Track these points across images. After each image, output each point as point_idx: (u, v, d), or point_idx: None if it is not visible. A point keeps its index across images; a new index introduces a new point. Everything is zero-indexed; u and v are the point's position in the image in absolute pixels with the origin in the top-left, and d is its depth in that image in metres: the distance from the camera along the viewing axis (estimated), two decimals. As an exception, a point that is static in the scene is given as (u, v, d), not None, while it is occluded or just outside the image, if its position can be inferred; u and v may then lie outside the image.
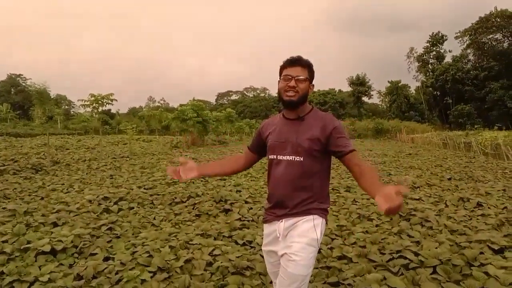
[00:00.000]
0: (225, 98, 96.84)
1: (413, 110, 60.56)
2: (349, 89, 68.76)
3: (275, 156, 2.14)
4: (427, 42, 66.28)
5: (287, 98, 2.08)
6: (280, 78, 2.12)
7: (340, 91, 72.50)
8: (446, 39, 65.35)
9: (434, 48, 65.84)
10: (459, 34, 63.65)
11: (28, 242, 4.10)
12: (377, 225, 5.05)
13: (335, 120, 2.09)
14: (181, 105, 27.78)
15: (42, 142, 20.88)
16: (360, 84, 65.88)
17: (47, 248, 3.90)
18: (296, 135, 2.07)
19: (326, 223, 2.15)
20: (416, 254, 3.78)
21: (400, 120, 52.24)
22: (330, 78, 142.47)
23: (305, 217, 2.05)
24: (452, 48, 73.36)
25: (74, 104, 74.64)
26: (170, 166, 2.22)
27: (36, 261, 3.78)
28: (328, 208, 2.15)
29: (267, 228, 2.19)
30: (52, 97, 55.93)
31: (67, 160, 13.10)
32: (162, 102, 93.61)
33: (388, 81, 63.57)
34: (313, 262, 2.02)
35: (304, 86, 2.07)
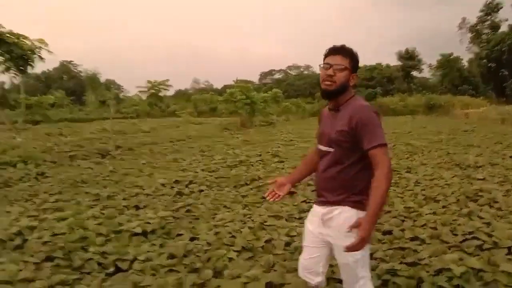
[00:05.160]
0: (268, 77, 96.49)
1: (467, 84, 57.84)
2: (397, 63, 66.63)
3: (318, 146, 2.32)
4: (480, 12, 62.65)
5: (324, 87, 2.12)
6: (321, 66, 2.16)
7: (387, 65, 70.34)
8: (502, 7, 61.41)
9: (489, 18, 62.16)
10: (516, 0, 59.69)
11: (120, 225, 4.52)
12: (444, 207, 5.12)
13: (363, 111, 2.04)
14: (225, 86, 28.17)
15: (101, 127, 21.94)
16: (409, 58, 63.56)
17: (139, 229, 4.29)
18: (330, 126, 2.17)
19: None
20: (489, 235, 3.86)
21: (453, 94, 50.17)
22: (377, 53, 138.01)
23: (337, 207, 2.15)
24: (509, 17, 68.49)
25: (124, 88, 76.93)
26: (268, 193, 2.44)
27: (131, 241, 4.19)
28: (364, 200, 2.06)
29: (314, 207, 2.37)
30: (102, 82, 58.02)
31: (128, 144, 13.79)
32: (206, 83, 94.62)
33: (440, 54, 61.00)
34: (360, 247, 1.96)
35: (342, 76, 2.07)
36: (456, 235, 4.02)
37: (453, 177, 6.74)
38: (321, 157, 2.27)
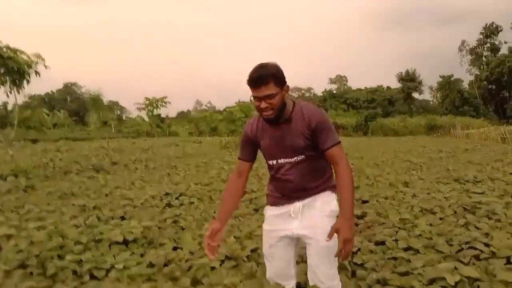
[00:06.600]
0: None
1: (467, 105, 57.99)
2: (398, 85, 66.92)
3: (275, 161, 2.18)
4: (480, 34, 63.28)
5: (266, 117, 2.08)
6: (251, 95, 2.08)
7: (388, 88, 70.63)
8: (501, 30, 62.08)
9: (488, 40, 62.75)
10: (515, 23, 60.28)
11: (101, 233, 4.33)
12: (441, 218, 4.91)
13: (317, 113, 2.09)
14: (227, 107, 28.29)
15: (99, 145, 21.86)
16: (410, 80, 63.81)
17: (120, 238, 4.11)
18: (290, 136, 2.10)
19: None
20: (487, 245, 3.66)
21: (454, 116, 50.21)
22: (378, 75, 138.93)
23: (319, 194, 2.18)
24: (508, 39, 68.69)
25: (126, 110, 77.19)
26: (207, 251, 2.15)
27: (110, 250, 3.99)
28: (335, 185, 2.17)
29: (274, 210, 2.25)
30: (105, 103, 58.31)
31: (124, 161, 13.64)
32: (208, 105, 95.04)
33: (440, 76, 61.37)
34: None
35: (276, 100, 2.01)
36: (452, 245, 3.82)
37: (451, 190, 6.53)
38: (285, 169, 2.15)
